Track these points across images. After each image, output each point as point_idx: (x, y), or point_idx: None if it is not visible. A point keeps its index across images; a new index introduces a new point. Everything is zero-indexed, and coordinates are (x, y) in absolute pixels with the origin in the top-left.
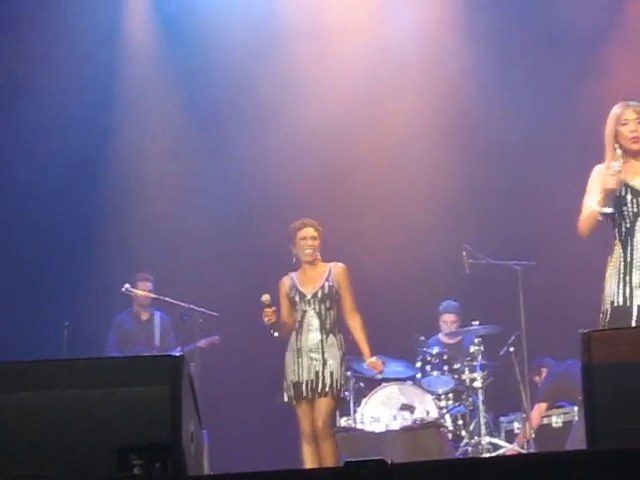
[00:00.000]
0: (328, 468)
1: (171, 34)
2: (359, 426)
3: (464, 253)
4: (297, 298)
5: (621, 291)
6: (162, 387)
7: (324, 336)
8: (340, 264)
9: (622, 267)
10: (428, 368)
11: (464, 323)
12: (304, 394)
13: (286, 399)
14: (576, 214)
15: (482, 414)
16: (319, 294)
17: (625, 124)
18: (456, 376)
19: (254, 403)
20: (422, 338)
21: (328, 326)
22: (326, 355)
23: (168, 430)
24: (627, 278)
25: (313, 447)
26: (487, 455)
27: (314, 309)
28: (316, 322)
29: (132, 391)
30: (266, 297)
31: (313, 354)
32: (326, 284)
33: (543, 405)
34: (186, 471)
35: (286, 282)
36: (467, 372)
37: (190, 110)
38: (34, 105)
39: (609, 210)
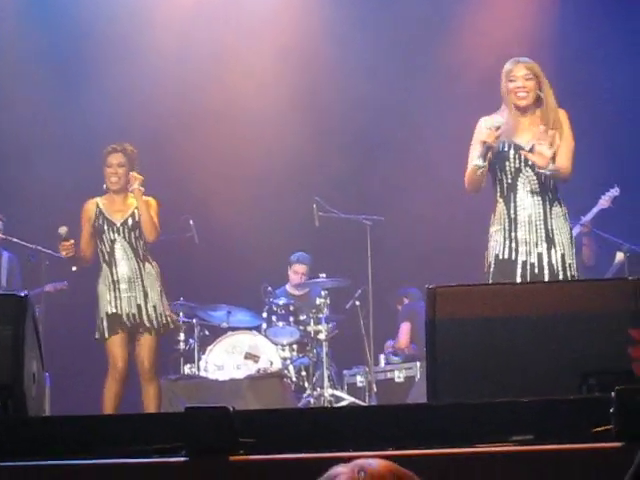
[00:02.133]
0: (169, 413)
1: None
2: (203, 374)
3: (314, 206)
4: (105, 227)
5: (507, 245)
6: (5, 327)
7: (140, 264)
8: (152, 199)
9: (507, 224)
10: (274, 319)
11: (311, 276)
12: (123, 328)
13: (98, 336)
14: (428, 170)
15: (325, 366)
16: (129, 222)
17: (513, 80)
18: (301, 327)
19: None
20: (269, 289)
21: (142, 254)
22: (146, 285)
23: (9, 370)
24: (512, 234)
25: (120, 387)
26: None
27: (124, 238)
28: (129, 251)
29: None
30: (63, 229)
31: (132, 284)
32: (136, 212)
33: (407, 325)
34: (27, 412)
35: (90, 207)
36: (312, 324)
37: (43, 54)
38: None
39: (481, 163)
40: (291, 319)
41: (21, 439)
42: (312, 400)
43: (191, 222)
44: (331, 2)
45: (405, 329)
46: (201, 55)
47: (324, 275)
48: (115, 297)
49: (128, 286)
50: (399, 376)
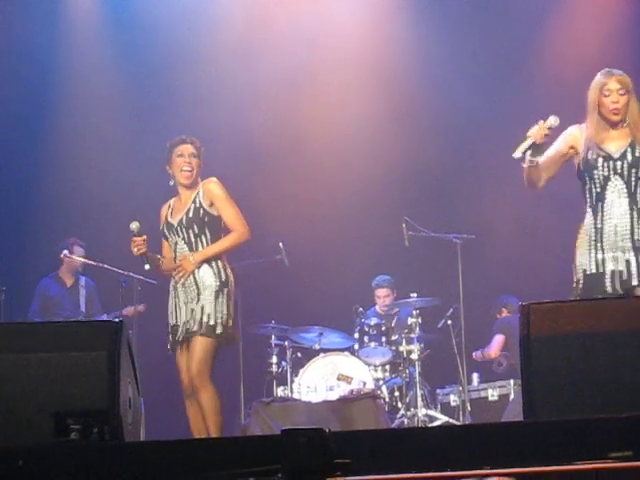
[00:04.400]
0: (265, 436)
1: None
2: (296, 396)
3: (404, 225)
4: (166, 230)
5: (593, 258)
6: (101, 352)
7: (197, 267)
8: (212, 178)
9: (593, 233)
10: (366, 339)
11: (402, 295)
12: (179, 338)
13: (168, 347)
14: (516, 188)
15: (418, 386)
16: (184, 220)
17: (607, 95)
18: (393, 348)
19: None
20: (360, 309)
21: None
22: (200, 287)
23: (105, 396)
24: (598, 245)
25: (192, 401)
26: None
27: (183, 239)
28: (187, 253)
29: (70, 356)
30: (135, 224)
31: (188, 290)
32: (192, 207)
33: (501, 337)
34: (123, 437)
35: (163, 212)
36: (404, 344)
37: (129, 77)
38: None
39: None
40: (383, 339)
41: (118, 466)
42: (406, 420)
43: (281, 245)
44: (415, 19)
45: (499, 340)
46: (284, 78)
47: (415, 295)
48: (175, 306)
49: (185, 293)
50: (493, 394)
